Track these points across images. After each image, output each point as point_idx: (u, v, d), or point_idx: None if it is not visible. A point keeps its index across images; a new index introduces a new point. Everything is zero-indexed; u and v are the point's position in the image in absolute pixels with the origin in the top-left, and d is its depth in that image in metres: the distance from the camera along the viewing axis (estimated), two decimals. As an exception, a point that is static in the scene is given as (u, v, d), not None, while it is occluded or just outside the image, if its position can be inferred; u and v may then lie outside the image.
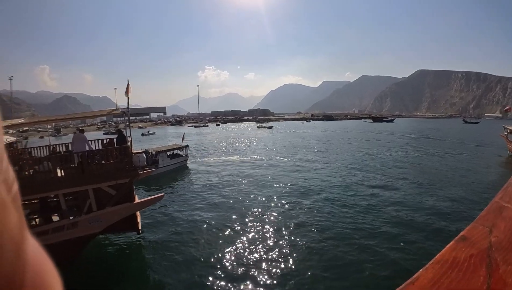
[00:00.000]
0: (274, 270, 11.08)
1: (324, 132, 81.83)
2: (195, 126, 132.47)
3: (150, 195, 15.10)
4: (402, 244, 12.52)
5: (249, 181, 24.47)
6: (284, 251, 12.41)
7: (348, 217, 15.64)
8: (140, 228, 13.07)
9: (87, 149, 12.20)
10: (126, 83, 12.36)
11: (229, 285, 10.38)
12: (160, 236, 14.17)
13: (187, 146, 33.48)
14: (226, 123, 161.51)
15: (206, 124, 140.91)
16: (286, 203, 18.07)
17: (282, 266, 11.33)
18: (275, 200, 18.93)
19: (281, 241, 13.26)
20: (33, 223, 11.62)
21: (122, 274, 11.72)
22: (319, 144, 50.59)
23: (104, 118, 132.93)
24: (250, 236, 14.08)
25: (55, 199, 12.18)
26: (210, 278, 10.69)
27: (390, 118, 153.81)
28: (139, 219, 13.07)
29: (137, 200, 12.15)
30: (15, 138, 19.90)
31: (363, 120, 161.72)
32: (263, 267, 11.29)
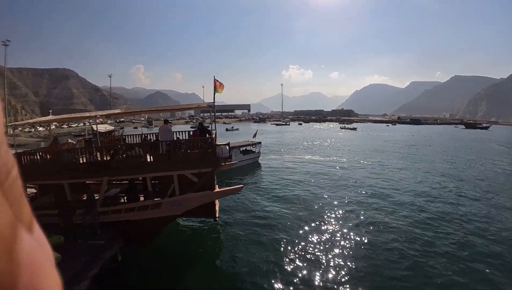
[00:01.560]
0: (343, 270, 11.05)
1: (410, 137, 76.52)
2: (277, 124, 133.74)
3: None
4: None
5: (326, 181, 24.23)
6: (356, 253, 12.32)
7: (430, 227, 14.75)
8: (217, 215, 13.93)
9: (172, 138, 13.38)
10: (213, 80, 13.04)
11: (295, 278, 10.68)
12: (233, 225, 15.37)
13: (259, 143, 33.81)
14: (308, 122, 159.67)
15: (287, 123, 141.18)
16: (362, 207, 17.60)
17: (353, 267, 11.18)
18: (351, 202, 18.58)
19: (354, 243, 13.15)
20: (122, 200, 13.15)
21: (195, 253, 12.97)
22: (404, 150, 47.35)
23: (192, 113, 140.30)
24: (321, 233, 14.30)
25: (142, 182, 13.48)
26: (276, 268, 11.28)
27: (485, 125, 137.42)
28: (217, 207, 13.94)
29: (217, 189, 12.84)
30: (113, 127, 22.52)
31: (454, 126, 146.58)
32: (331, 264, 11.43)
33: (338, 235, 14.09)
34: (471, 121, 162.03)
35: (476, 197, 19.80)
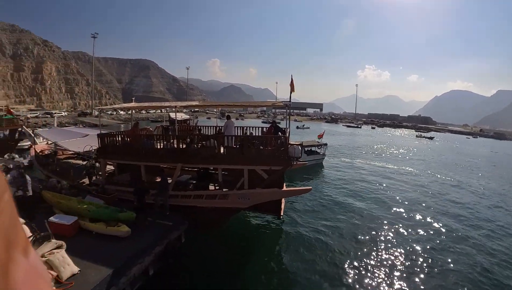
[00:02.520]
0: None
1: (493, 153, 68.80)
2: (348, 126, 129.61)
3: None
4: None
5: (394, 191, 23.14)
6: (420, 269, 11.79)
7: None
8: (282, 214, 14.04)
9: (234, 133, 13.94)
10: (290, 78, 12.82)
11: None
12: (295, 225, 15.28)
13: (325, 144, 32.79)
14: (382, 127, 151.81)
15: (359, 126, 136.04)
16: (430, 224, 16.54)
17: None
18: (419, 216, 17.56)
19: (419, 260, 12.58)
20: (191, 187, 13.72)
21: (256, 247, 13.24)
22: (485, 168, 42.29)
23: (264, 108, 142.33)
24: (382, 245, 13.77)
25: (213, 171, 13.86)
26: (330, 274, 11.23)
27: None
28: (282, 205, 14.03)
29: (285, 188, 12.83)
30: (188, 116, 23.59)
31: None
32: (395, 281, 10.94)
33: (402, 249, 13.47)
34: None
35: None
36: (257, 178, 12.10)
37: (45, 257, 7.91)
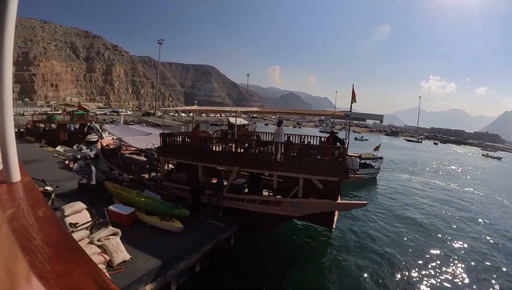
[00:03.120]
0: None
1: None
2: (408, 140, 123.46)
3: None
4: None
5: (453, 213, 21.50)
6: None
7: None
8: (334, 226, 13.63)
9: (283, 140, 13.93)
10: (349, 87, 12.70)
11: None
12: (345, 240, 14.90)
13: (381, 158, 31.25)
14: (445, 143, 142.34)
15: (419, 140, 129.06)
16: (494, 257, 14.86)
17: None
18: (480, 246, 15.96)
19: None
20: (245, 191, 13.88)
21: (303, 256, 13.06)
22: None
23: (322, 117, 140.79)
24: (444, 273, 12.68)
25: (268, 178, 13.93)
26: None
27: None
28: (335, 218, 13.64)
29: (339, 200, 12.52)
30: (247, 122, 24.08)
31: None
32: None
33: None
34: None
35: None
36: (312, 188, 11.96)
37: (101, 242, 8.51)
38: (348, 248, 14.08)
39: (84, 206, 10.31)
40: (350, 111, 12.09)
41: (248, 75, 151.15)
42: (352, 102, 12.17)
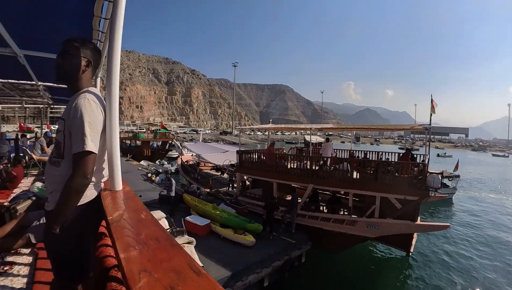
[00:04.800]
0: None
1: None
2: (494, 155, 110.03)
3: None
4: None
5: None
6: None
7: None
8: (411, 250, 12.92)
9: (330, 155, 14.32)
10: (430, 99, 12.06)
11: None
12: (424, 267, 13.48)
13: (458, 176, 27.85)
14: None
15: (506, 155, 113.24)
16: None
17: None
18: None
19: None
20: (321, 209, 13.70)
21: (376, 280, 12.37)
22: None
23: (402, 133, 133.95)
24: None
25: (344, 196, 13.63)
26: None
27: None
28: (414, 241, 12.93)
29: (419, 222, 11.76)
30: (323, 139, 24.13)
31: None
32: None
33: None
34: None
35: None
36: (390, 207, 11.46)
37: None
38: (425, 277, 12.79)
39: (164, 215, 11.23)
40: (430, 124, 11.46)
41: (322, 92, 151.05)
42: (431, 114, 11.53)
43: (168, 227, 10.72)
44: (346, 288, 11.58)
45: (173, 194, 14.90)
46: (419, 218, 11.96)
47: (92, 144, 1.72)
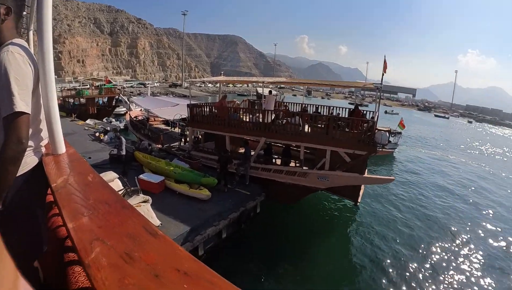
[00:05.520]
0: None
1: None
2: (436, 116, 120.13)
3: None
4: None
5: (481, 195, 20.55)
6: None
7: None
8: (359, 200, 13.71)
9: (272, 108, 14.25)
10: (383, 59, 12.29)
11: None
12: (369, 215, 14.95)
13: (400, 133, 29.24)
14: (481, 122, 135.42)
15: (446, 116, 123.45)
16: None
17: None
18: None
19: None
20: (274, 161, 13.93)
21: (326, 228, 13.34)
22: None
23: (352, 89, 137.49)
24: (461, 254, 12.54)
25: (296, 149, 14.00)
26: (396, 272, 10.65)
27: None
28: (361, 192, 13.75)
29: (366, 174, 12.44)
30: (275, 92, 24.11)
31: None
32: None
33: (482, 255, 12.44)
34: None
35: None
36: (339, 161, 11.94)
37: None
38: (371, 223, 14.15)
39: (116, 175, 10.87)
40: (381, 83, 11.75)
41: (275, 45, 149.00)
42: (383, 73, 11.83)
43: (122, 187, 10.48)
44: (300, 235, 12.27)
45: (124, 153, 14.37)
46: (366, 171, 12.68)
47: (22, 104, 1.49)
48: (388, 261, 11.21)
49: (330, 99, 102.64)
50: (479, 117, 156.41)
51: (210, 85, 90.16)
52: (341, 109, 15.59)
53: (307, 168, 12.67)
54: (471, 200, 18.99)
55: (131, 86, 77.96)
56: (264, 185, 13.19)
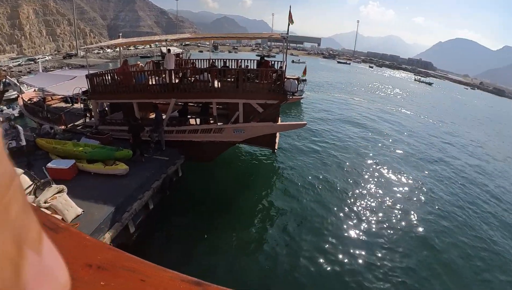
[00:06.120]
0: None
1: (489, 108, 64.65)
2: (339, 62, 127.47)
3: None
4: None
5: (379, 132, 23.37)
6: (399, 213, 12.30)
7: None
8: (276, 147, 14.22)
9: (174, 66, 13.91)
10: (288, 10, 12.33)
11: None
12: (287, 159, 15.92)
13: (304, 80, 30.39)
14: (381, 67, 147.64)
15: (347, 62, 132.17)
16: (415, 165, 17.29)
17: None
18: (405, 155, 18.59)
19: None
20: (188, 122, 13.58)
21: (250, 178, 13.88)
22: (480, 122, 40.05)
23: (259, 41, 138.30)
24: (367, 181, 14.69)
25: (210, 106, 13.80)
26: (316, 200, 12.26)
27: None
28: (277, 139, 14.21)
29: (280, 122, 12.80)
30: (180, 50, 23.03)
31: None
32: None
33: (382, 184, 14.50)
34: None
35: None
36: (252, 112, 12.07)
37: (48, 203, 8.06)
38: (291, 165, 15.10)
39: (21, 170, 9.44)
40: (287, 33, 12.00)
41: (177, 0, 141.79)
42: (289, 24, 11.94)
43: (31, 182, 9.28)
44: (225, 190, 12.46)
45: (23, 143, 12.58)
46: (279, 119, 13.00)
47: None
48: (312, 194, 12.66)
49: (238, 53, 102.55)
50: (379, 62, 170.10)
51: (109, 50, 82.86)
52: (249, 61, 15.41)
53: (222, 123, 12.63)
54: (373, 131, 22.55)
55: (19, 64, 68.52)
56: (182, 148, 12.87)
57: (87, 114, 16.46)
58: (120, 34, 21.36)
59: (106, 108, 15.55)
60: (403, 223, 11.40)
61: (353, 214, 11.57)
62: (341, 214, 11.51)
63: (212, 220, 10.53)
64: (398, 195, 13.61)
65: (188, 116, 13.72)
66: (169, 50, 14.36)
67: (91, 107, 15.80)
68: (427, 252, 10.00)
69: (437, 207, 12.88)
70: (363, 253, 9.58)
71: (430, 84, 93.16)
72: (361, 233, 10.54)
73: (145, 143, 12.25)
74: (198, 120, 13.61)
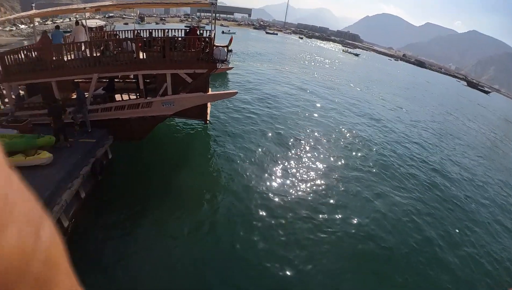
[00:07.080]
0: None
1: (411, 77, 73.32)
2: (267, 33, 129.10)
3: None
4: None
5: (310, 99, 24.44)
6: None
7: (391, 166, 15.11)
8: (208, 118, 14.14)
9: (84, 39, 12.76)
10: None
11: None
12: (220, 129, 16.03)
13: (231, 50, 30.77)
14: (310, 38, 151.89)
15: (275, 33, 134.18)
16: (344, 136, 18.02)
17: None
18: (336, 125, 19.37)
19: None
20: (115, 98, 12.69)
21: (185, 152, 13.60)
22: (401, 88, 46.04)
23: (188, 11, 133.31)
24: (299, 143, 15.68)
25: (134, 80, 13.04)
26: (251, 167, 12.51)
27: (486, 89, 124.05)
28: (208, 110, 14.12)
29: (210, 92, 12.54)
30: (104, 22, 21.49)
31: (456, 80, 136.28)
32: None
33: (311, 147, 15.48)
34: (474, 81, 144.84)
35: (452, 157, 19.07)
36: (181, 83, 11.68)
37: None
38: (224, 133, 15.36)
39: None
40: (216, 0, 11.68)
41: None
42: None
43: None
44: (158, 168, 11.91)
45: None
46: (210, 89, 12.70)
47: None
48: (251, 157, 13.16)
49: (166, 24, 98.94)
50: (309, 33, 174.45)
51: (23, 26, 74.73)
52: (177, 30, 14.57)
53: (150, 97, 12.02)
54: (303, 99, 23.61)
55: None
56: (110, 127, 11.99)
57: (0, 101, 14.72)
58: (33, 4, 18.99)
59: (22, 92, 13.99)
60: (336, 175, 12.87)
61: (288, 173, 12.34)
62: (279, 174, 12.20)
63: (149, 200, 10.09)
64: (329, 151, 15.20)
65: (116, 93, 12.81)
66: (77, 23, 13.19)
67: (4, 92, 14.07)
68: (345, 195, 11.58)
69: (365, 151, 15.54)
70: (304, 211, 10.31)
71: (357, 55, 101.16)
72: (299, 190, 11.40)
73: (68, 126, 11.13)
74: (126, 96, 12.72)
